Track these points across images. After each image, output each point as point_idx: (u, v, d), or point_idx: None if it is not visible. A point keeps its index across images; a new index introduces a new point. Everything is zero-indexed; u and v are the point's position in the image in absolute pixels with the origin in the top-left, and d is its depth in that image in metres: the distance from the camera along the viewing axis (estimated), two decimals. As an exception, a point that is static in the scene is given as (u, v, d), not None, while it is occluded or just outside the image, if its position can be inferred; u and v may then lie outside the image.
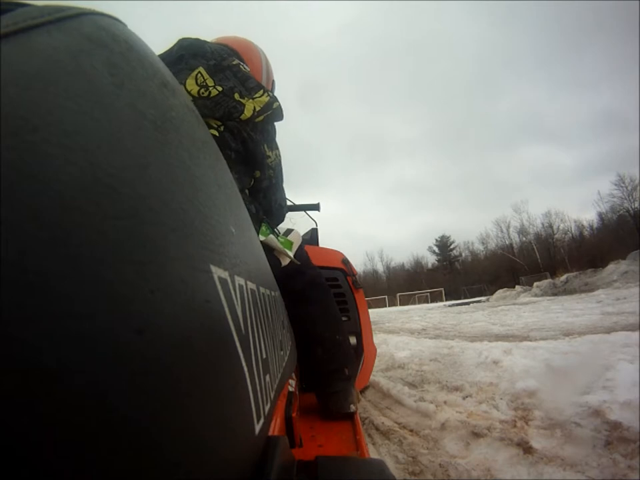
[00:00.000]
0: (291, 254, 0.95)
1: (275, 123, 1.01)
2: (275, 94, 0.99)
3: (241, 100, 0.86)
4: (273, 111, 0.92)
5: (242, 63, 0.92)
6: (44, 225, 0.09)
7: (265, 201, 1.00)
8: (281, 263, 0.93)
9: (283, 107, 0.96)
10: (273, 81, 1.13)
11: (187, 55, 0.87)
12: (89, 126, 0.12)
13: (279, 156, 1.02)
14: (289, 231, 1.05)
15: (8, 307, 0.08)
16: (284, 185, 1.09)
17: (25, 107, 0.10)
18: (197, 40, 0.93)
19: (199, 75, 0.84)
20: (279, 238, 0.95)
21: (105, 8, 0.19)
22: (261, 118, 0.90)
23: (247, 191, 0.95)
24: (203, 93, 0.83)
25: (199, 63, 0.86)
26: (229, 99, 0.84)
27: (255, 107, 0.87)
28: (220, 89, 0.84)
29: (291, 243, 0.98)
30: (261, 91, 0.90)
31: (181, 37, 0.94)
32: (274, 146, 0.99)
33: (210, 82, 0.84)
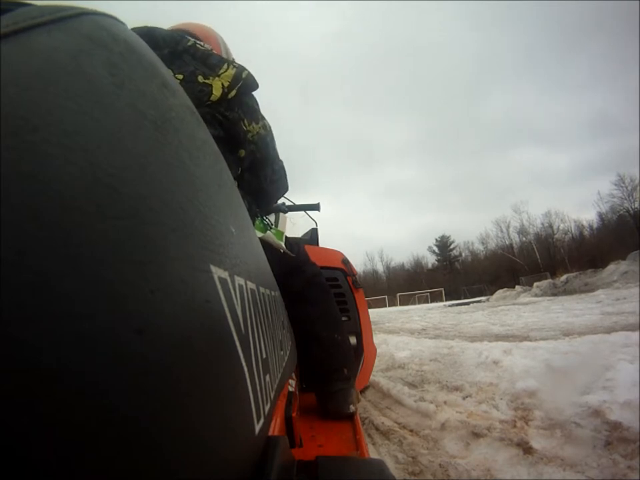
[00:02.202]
0: (283, 244, 0.95)
1: (256, 96, 0.93)
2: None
3: (206, 81, 0.79)
4: (243, 82, 0.84)
5: (198, 42, 0.85)
6: (44, 225, 0.09)
7: (253, 178, 0.93)
8: (279, 256, 0.93)
9: (256, 77, 0.88)
10: (233, 59, 1.04)
11: None
12: (89, 126, 0.12)
13: (266, 127, 0.92)
14: (276, 218, 1.04)
15: (8, 307, 0.08)
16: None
17: (25, 107, 0.10)
18: (144, 28, 0.86)
19: None
20: (272, 230, 0.96)
21: (105, 8, 0.19)
22: (233, 93, 0.82)
23: (235, 183, 0.91)
24: None
25: None
26: (193, 84, 0.78)
27: (223, 84, 0.80)
28: (180, 77, 0.77)
29: (282, 233, 0.99)
30: (225, 65, 0.83)
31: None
32: (257, 118, 0.89)
33: None
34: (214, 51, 0.86)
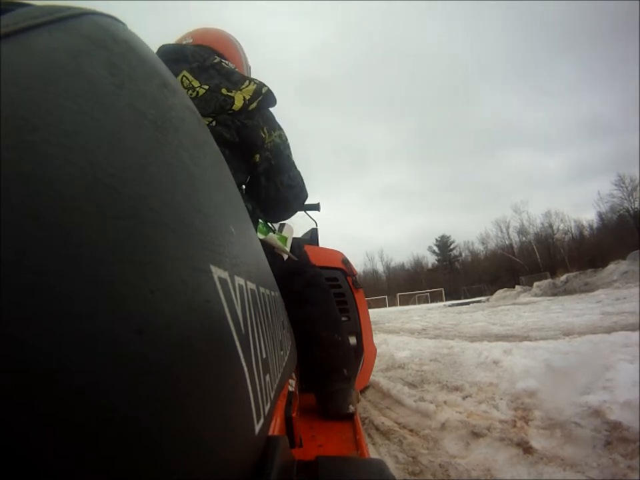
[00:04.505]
0: (287, 249, 0.96)
1: (272, 110, 1.01)
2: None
3: (229, 94, 0.88)
4: (263, 96, 0.93)
5: (223, 60, 0.96)
6: (44, 225, 0.09)
7: (270, 184, 0.99)
8: (281, 261, 0.94)
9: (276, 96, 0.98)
10: (249, 66, 1.16)
11: (169, 61, 0.88)
12: (89, 126, 0.12)
13: (282, 136, 1.01)
14: (281, 226, 1.05)
15: (8, 307, 0.08)
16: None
17: (25, 107, 0.10)
18: (177, 45, 0.97)
19: (184, 78, 0.87)
20: (275, 234, 0.96)
21: (105, 8, 0.19)
22: (254, 105, 0.91)
23: (243, 187, 0.97)
24: (190, 95, 0.84)
25: (181, 67, 0.89)
26: (217, 94, 0.87)
27: (244, 97, 0.90)
28: (207, 87, 0.86)
29: (286, 239, 0.99)
30: (247, 82, 0.92)
31: (161, 45, 0.97)
32: (274, 128, 0.99)
33: (195, 83, 0.87)
34: (237, 69, 0.97)
